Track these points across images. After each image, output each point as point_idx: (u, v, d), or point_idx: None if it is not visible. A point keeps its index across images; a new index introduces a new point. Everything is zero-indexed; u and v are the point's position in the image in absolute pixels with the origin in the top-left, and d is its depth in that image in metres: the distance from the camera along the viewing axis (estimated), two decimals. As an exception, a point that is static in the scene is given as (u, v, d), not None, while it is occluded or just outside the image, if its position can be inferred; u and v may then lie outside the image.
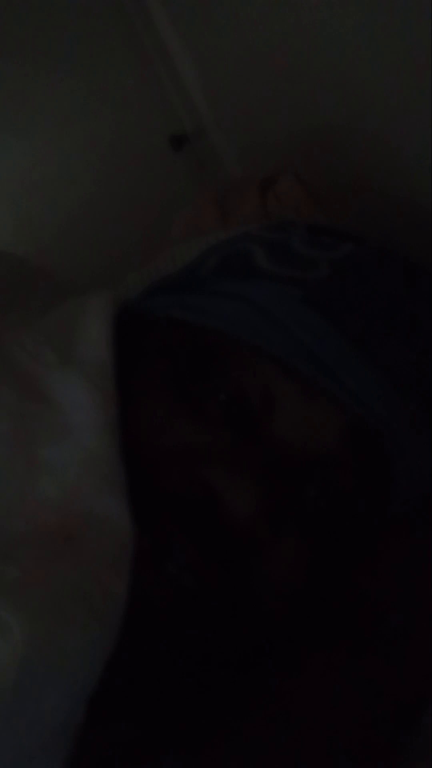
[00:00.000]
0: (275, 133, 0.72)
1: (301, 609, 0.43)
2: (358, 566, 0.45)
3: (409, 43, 0.53)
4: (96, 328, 0.43)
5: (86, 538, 0.36)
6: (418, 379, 0.44)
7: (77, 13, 0.79)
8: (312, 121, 0.67)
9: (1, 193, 0.85)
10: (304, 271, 0.45)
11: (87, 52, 0.80)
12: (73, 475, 0.38)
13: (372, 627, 0.43)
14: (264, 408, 0.42)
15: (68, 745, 0.32)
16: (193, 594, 0.39)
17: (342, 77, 0.62)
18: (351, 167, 0.64)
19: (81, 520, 0.37)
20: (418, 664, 0.41)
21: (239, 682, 0.41)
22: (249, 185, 0.66)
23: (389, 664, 0.42)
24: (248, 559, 0.41)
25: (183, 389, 0.43)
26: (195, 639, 0.39)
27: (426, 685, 0.41)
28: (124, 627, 0.34)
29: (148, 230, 0.75)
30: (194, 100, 0.81)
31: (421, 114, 0.54)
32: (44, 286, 0.55)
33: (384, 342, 0.43)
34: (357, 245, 0.48)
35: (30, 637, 0.31)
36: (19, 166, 0.85)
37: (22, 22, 0.78)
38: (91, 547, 0.36)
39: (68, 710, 0.32)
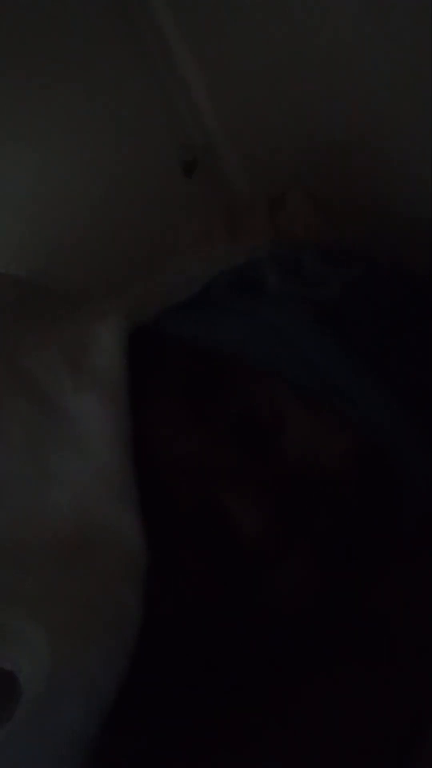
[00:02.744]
0: (285, 150, 0.72)
1: (311, 625, 0.43)
2: (366, 582, 0.45)
3: (413, 60, 0.54)
4: (109, 342, 0.44)
5: (98, 551, 0.37)
6: (426, 399, 0.44)
7: (89, 33, 0.80)
8: (321, 138, 0.67)
9: (11, 207, 0.85)
10: (316, 291, 0.46)
11: (98, 70, 0.81)
12: (86, 487, 0.38)
13: (379, 642, 0.43)
14: (273, 426, 0.42)
15: (83, 755, 0.33)
16: (202, 611, 0.39)
17: (351, 96, 0.63)
18: (360, 184, 0.64)
19: (93, 532, 0.37)
20: (425, 679, 0.41)
21: (250, 695, 0.41)
22: (258, 202, 0.67)
23: (396, 678, 0.42)
24: (258, 577, 0.41)
25: (194, 407, 0.43)
26: (205, 654, 0.40)
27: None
28: (137, 640, 0.34)
29: (156, 245, 0.76)
30: (203, 119, 0.81)
31: (424, 130, 0.55)
32: (54, 301, 0.55)
33: (393, 362, 0.44)
34: (368, 266, 0.48)
35: (54, 652, 0.31)
36: (29, 180, 0.85)
37: (31, 44, 0.79)
38: (103, 560, 0.36)
39: (86, 722, 0.32)
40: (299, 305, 0.45)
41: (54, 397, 0.41)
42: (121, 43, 0.81)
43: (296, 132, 0.71)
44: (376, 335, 0.44)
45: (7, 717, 0.29)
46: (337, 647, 0.43)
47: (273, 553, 0.41)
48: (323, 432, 0.43)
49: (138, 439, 0.40)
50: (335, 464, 0.43)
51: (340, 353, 0.43)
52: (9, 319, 0.50)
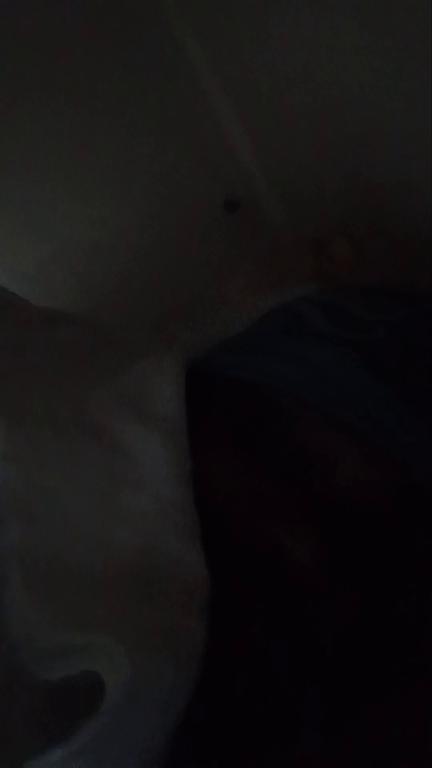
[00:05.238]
0: (326, 193, 0.75)
1: (362, 656, 0.44)
2: (407, 622, 0.47)
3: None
4: (169, 388, 0.47)
5: (165, 582, 0.39)
6: None
7: (137, 84, 0.83)
8: (362, 180, 0.70)
9: (62, 256, 0.88)
10: (361, 333, 0.48)
11: (144, 121, 0.84)
12: (151, 523, 0.41)
13: (415, 681, 0.44)
14: (324, 464, 0.45)
15: None
16: (260, 641, 0.41)
17: (391, 139, 0.65)
18: (402, 227, 0.66)
19: (159, 565, 0.40)
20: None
21: (307, 724, 0.43)
22: (302, 247, 0.69)
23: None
24: (310, 609, 0.43)
25: (247, 446, 0.46)
26: (264, 682, 0.42)
27: None
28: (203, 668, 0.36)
29: (201, 292, 0.78)
30: (245, 165, 0.84)
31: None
32: (115, 344, 0.58)
33: None
34: (411, 307, 0.51)
35: (132, 665, 0.33)
36: (79, 230, 0.88)
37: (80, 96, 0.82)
38: (169, 590, 0.39)
39: (159, 735, 0.34)
40: (345, 348, 0.48)
41: (118, 439, 0.44)
42: (163, 89, 0.84)
43: (337, 174, 0.73)
44: (422, 376, 0.47)
45: (92, 715, 0.31)
46: (388, 679, 0.44)
47: (321, 586, 0.43)
48: (371, 471, 0.45)
49: (196, 478, 0.43)
50: (382, 502, 0.45)
51: (384, 393, 0.46)
52: (74, 359, 0.51)
